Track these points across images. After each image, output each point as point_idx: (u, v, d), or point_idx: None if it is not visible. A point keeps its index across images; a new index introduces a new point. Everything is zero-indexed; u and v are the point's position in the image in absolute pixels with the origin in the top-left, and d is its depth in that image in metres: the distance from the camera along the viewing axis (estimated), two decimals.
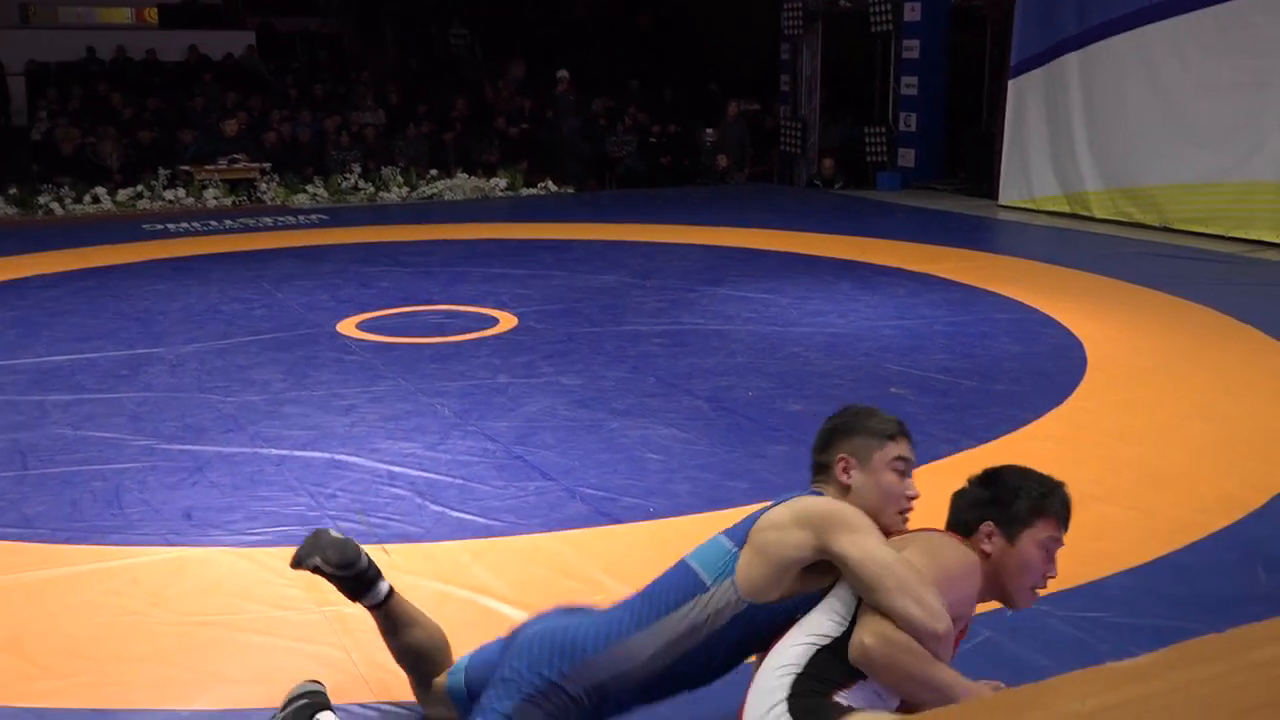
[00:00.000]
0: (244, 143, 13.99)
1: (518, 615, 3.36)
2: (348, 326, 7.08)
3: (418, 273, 8.89)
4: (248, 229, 11.51)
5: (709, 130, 15.91)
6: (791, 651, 2.33)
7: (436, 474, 4.49)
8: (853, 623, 2.31)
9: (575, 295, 7.98)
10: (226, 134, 13.92)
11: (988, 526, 2.41)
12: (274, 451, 4.78)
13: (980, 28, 14.46)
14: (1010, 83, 12.66)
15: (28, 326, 7.17)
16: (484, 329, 6.99)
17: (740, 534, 2.48)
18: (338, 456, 4.71)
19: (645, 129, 16.34)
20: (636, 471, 4.53)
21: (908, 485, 2.56)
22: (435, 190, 13.96)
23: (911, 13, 14.33)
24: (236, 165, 13.46)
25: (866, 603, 2.29)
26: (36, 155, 14.07)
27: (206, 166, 13.38)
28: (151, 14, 19.81)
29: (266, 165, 13.79)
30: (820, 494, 2.56)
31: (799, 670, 2.30)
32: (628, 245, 10.13)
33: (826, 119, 15.69)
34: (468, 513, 4.13)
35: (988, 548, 2.40)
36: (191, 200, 13.03)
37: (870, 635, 2.24)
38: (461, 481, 4.42)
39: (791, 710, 2.26)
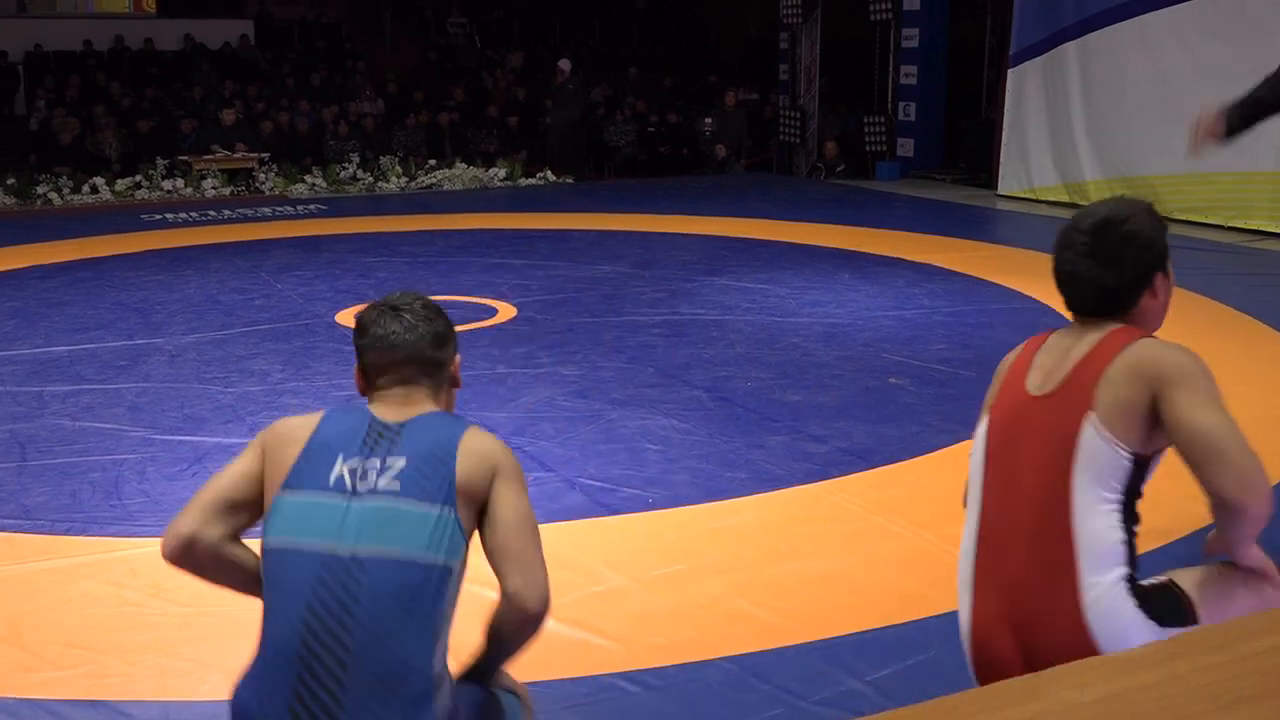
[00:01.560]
0: (242, 132, 13.97)
1: None
2: (346, 317, 7.07)
3: (416, 263, 8.89)
4: (246, 219, 11.49)
5: (707, 120, 15.89)
6: (1115, 554, 2.07)
7: None
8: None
9: (574, 285, 7.97)
10: (224, 123, 13.90)
11: (1159, 278, 2.21)
12: None
13: (980, 16, 14.44)
14: (1010, 72, 12.64)
15: (26, 317, 7.17)
16: (483, 319, 6.98)
17: (446, 493, 2.04)
18: None
19: (644, 118, 16.32)
20: (635, 462, 4.53)
21: None
22: (434, 180, 13.94)
23: (911, 1, 14.30)
24: (235, 156, 13.45)
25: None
26: (34, 145, 14.05)
27: (205, 156, 13.37)
28: (149, 2, 19.76)
29: (265, 155, 13.78)
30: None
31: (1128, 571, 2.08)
32: (626, 235, 10.12)
33: (825, 108, 15.67)
34: None
35: (1161, 297, 2.21)
36: (190, 190, 13.01)
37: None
38: None
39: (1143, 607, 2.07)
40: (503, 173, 14.21)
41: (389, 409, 2.17)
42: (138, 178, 13.18)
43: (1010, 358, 2.30)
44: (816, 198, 12.79)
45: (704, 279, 8.16)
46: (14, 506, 4.14)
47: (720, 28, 19.86)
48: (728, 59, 18.81)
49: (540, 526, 4.03)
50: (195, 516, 2.09)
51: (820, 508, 4.11)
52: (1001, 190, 12.67)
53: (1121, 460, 2.08)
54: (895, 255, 8.99)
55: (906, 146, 14.77)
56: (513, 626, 2.04)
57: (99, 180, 12.94)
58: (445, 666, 2.03)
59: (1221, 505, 2.02)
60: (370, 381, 2.23)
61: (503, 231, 10.45)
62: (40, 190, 12.72)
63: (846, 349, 6.26)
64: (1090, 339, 2.16)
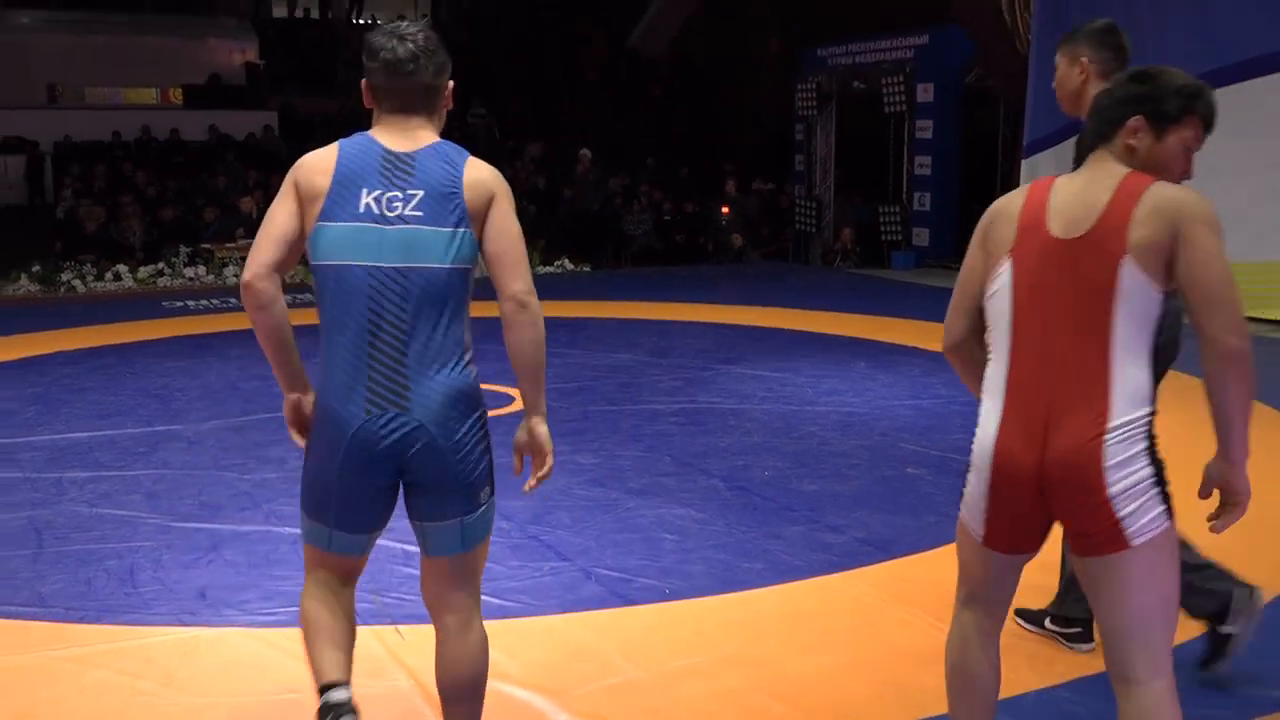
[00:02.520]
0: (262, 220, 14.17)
1: (531, 699, 3.34)
2: None
3: None
4: None
5: (724, 209, 16.05)
6: (1137, 401, 2.29)
7: None
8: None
9: (591, 373, 8.00)
10: (242, 210, 14.10)
11: (1136, 121, 2.36)
12: (289, 530, 4.77)
13: (993, 107, 14.62)
14: (1024, 162, 12.74)
15: (48, 403, 7.22)
16: (499, 407, 6.99)
17: (458, 217, 2.58)
18: None
19: (660, 207, 16.48)
20: (652, 552, 4.50)
21: None
22: None
23: (924, 93, 14.50)
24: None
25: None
26: (60, 233, 14.27)
27: (227, 244, 13.54)
28: (176, 94, 20.18)
29: None
30: None
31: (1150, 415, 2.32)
32: (643, 324, 10.17)
33: (841, 198, 15.83)
34: (482, 593, 4.10)
35: (1133, 143, 2.37)
36: (212, 277, 13.18)
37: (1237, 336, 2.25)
38: None
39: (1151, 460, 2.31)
40: None
41: (395, 138, 2.61)
42: (160, 265, 13.37)
43: (1012, 204, 2.43)
44: (833, 287, 12.84)
45: (721, 367, 8.17)
46: (29, 594, 4.13)
47: (736, 120, 20.14)
48: (744, 150, 19.04)
49: (556, 617, 4.02)
50: (256, 270, 2.68)
51: (838, 599, 4.07)
52: None
53: (1154, 298, 2.26)
54: (911, 344, 9.01)
55: (921, 236, 14.87)
56: (514, 317, 2.68)
57: (122, 268, 13.13)
58: (471, 346, 2.69)
59: (1216, 348, 2.24)
60: (377, 101, 2.64)
61: None
62: (65, 277, 12.91)
63: (864, 438, 6.24)
64: (1107, 183, 2.32)
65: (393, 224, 2.54)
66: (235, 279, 13.07)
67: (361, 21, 24.01)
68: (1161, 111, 2.35)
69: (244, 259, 13.69)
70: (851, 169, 16.04)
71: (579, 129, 19.12)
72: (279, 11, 23.29)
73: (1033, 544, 2.44)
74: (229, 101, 19.47)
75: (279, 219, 2.63)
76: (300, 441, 2.76)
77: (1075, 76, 3.35)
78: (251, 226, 13.81)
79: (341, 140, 2.65)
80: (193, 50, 21.19)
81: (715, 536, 4.67)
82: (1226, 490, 2.40)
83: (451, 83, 2.69)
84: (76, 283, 12.87)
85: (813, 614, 3.95)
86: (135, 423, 6.69)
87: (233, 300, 11.96)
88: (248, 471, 5.65)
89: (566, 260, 14.62)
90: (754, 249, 15.96)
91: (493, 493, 2.78)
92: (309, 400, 2.77)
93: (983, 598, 2.53)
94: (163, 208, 14.84)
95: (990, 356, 2.46)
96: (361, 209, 2.54)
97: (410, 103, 2.61)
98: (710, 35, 21.45)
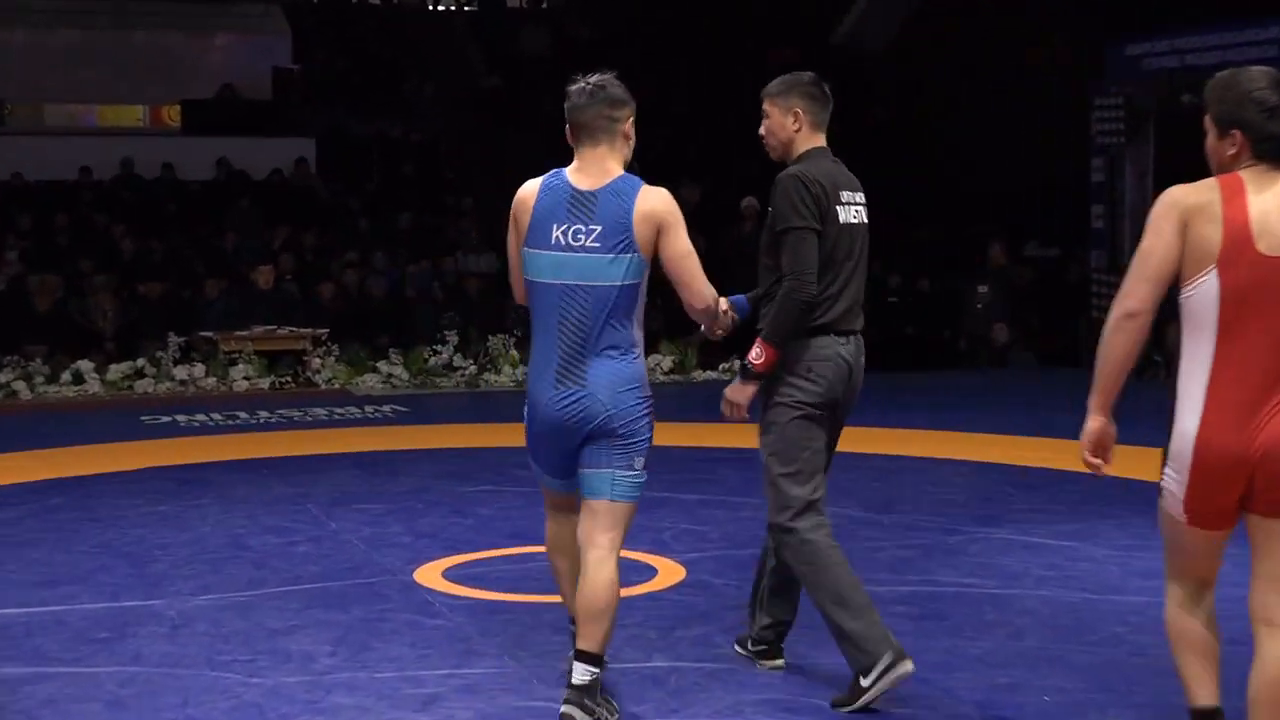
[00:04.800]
0: (286, 299, 14.45)
1: None
2: (430, 575, 7.16)
3: (536, 495, 8.96)
4: (291, 424, 11.85)
5: (981, 288, 15.90)
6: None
7: None
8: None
9: None
10: (259, 286, 14.42)
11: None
12: None
13: None
14: None
15: None
16: (634, 583, 6.98)
17: (627, 245, 4.83)
18: None
19: (881, 283, 16.43)
20: None
21: None
22: None
23: None
24: (279, 333, 13.94)
25: None
26: None
27: (237, 333, 13.87)
28: (173, 114, 20.96)
29: (322, 332, 14.22)
30: None
31: None
32: (854, 460, 10.08)
33: None
34: None
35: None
36: (213, 381, 13.51)
37: None
38: None
39: None
40: (669, 361, 14.42)
41: (584, 176, 4.89)
42: (139, 362, 13.73)
43: (1211, 204, 3.88)
44: (1147, 408, 12.56)
45: (973, 529, 8.05)
46: None
47: (999, 154, 20.06)
48: (1011, 199, 18.89)
49: None
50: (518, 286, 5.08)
51: None
52: None
53: None
54: None
55: None
56: (692, 312, 5.05)
57: (85, 365, 13.52)
58: (641, 342, 4.95)
59: None
60: (575, 137, 4.93)
61: (668, 450, 10.50)
62: (2, 378, 13.33)
63: None
64: None
65: (576, 252, 4.80)
66: (246, 383, 13.41)
67: (440, 9, 24.71)
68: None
69: (260, 355, 13.89)
70: None
71: (759, 172, 19.21)
72: None
73: (1226, 523, 4.21)
74: (247, 124, 20.05)
75: (514, 251, 4.98)
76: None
77: (790, 126, 5.32)
78: (270, 310, 14.14)
79: (545, 177, 4.92)
80: (198, 51, 21.96)
81: None
82: None
83: (631, 118, 4.96)
84: (19, 385, 13.30)
85: None
86: (95, 595, 6.85)
87: (241, 415, 12.26)
88: (256, 673, 5.71)
89: (737, 361, 14.63)
90: (1027, 347, 15.81)
91: (645, 466, 4.96)
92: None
93: (1191, 570, 4.37)
94: (146, 278, 15.29)
95: (1183, 358, 4.01)
96: (553, 241, 4.82)
97: (595, 135, 4.90)
98: (956, 30, 21.50)
